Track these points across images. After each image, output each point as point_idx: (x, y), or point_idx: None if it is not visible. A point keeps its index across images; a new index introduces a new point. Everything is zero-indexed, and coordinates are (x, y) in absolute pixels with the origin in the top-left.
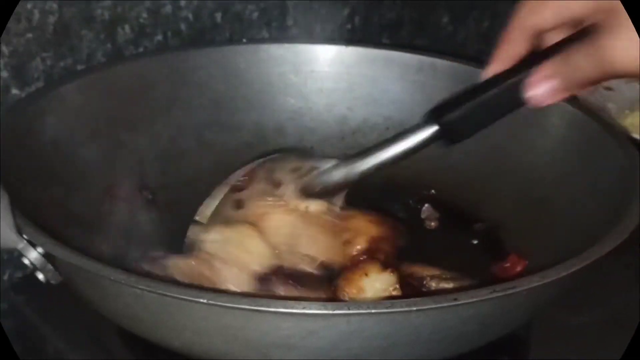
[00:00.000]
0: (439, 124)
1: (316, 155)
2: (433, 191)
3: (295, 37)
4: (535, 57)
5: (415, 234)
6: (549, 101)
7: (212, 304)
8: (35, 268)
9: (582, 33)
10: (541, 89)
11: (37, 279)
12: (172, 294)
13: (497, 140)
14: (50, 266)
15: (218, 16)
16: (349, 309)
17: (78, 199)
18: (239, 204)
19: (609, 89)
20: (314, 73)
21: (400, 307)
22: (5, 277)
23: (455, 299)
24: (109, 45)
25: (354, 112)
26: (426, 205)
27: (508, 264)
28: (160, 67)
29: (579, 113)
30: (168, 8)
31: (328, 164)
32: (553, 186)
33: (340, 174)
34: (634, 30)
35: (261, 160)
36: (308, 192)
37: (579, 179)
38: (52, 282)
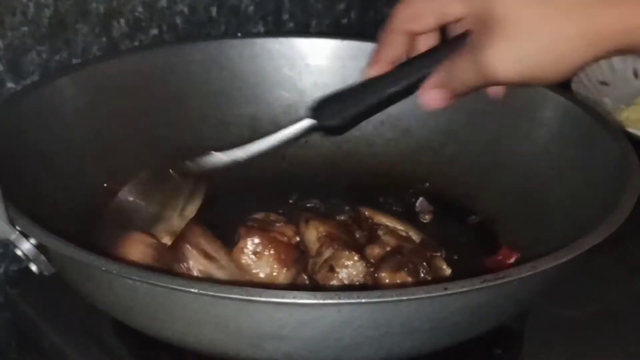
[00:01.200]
0: (319, 123)
1: None
2: (427, 184)
3: (291, 31)
4: (420, 62)
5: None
6: (440, 106)
7: (203, 294)
8: (28, 259)
9: (461, 39)
10: (431, 97)
11: (32, 272)
12: (164, 284)
13: (491, 133)
14: (43, 257)
15: (213, 10)
16: (339, 299)
17: (72, 192)
18: None
19: (604, 83)
20: (309, 67)
21: (390, 297)
22: (1, 270)
23: (446, 289)
24: (104, 39)
25: None
26: (420, 198)
27: (500, 257)
28: (156, 61)
29: (573, 106)
30: (163, 2)
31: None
32: (547, 179)
33: (221, 159)
34: (512, 37)
35: None
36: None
37: (573, 171)
38: (45, 273)
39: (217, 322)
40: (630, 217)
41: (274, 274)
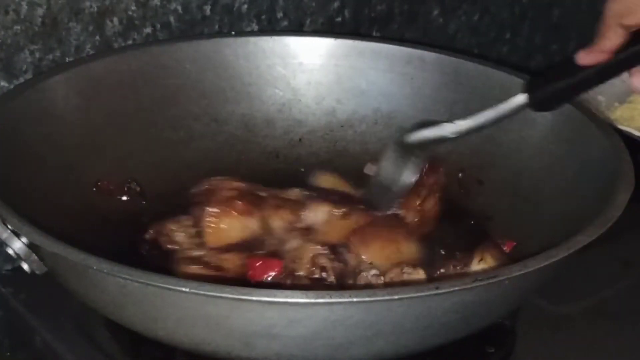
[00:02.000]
0: (530, 97)
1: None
2: None
3: (285, 29)
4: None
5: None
6: None
7: (194, 293)
8: (19, 258)
9: None
10: None
11: (24, 271)
12: (155, 283)
13: (485, 132)
14: (34, 256)
15: (207, 9)
16: (330, 298)
17: (64, 191)
18: None
19: None
20: (303, 65)
21: (381, 296)
22: None
23: (437, 288)
24: (97, 38)
25: (343, 104)
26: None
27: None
28: (149, 60)
29: (566, 105)
30: (157, 0)
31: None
32: (540, 177)
33: (432, 133)
34: None
35: None
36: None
37: (566, 169)
38: (37, 272)
39: (208, 321)
40: (623, 212)
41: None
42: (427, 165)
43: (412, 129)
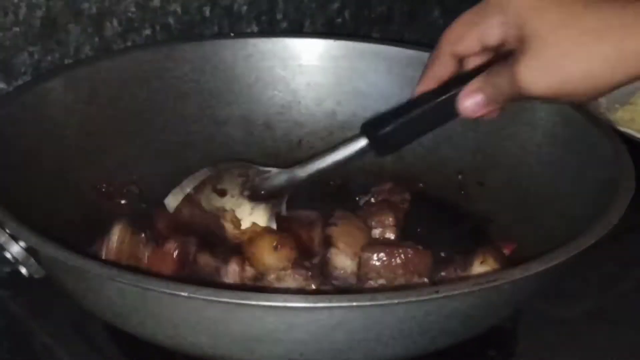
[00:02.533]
0: (370, 139)
1: (258, 165)
2: (421, 185)
3: (285, 31)
4: (462, 77)
5: (404, 227)
6: (477, 114)
7: (194, 297)
8: (17, 262)
9: (501, 57)
10: (468, 102)
11: (22, 273)
12: (154, 288)
13: (485, 134)
14: (33, 260)
15: (207, 10)
16: (330, 302)
17: (63, 194)
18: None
19: None
20: (302, 67)
21: (382, 300)
22: None
23: (437, 292)
24: (96, 40)
25: (343, 106)
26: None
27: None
28: (148, 62)
29: (566, 107)
30: (156, 2)
31: (271, 171)
32: (540, 179)
33: (282, 179)
34: (546, 55)
35: (207, 168)
36: (253, 196)
37: (566, 172)
38: (35, 276)
39: (208, 325)
40: (624, 215)
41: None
42: (391, 186)
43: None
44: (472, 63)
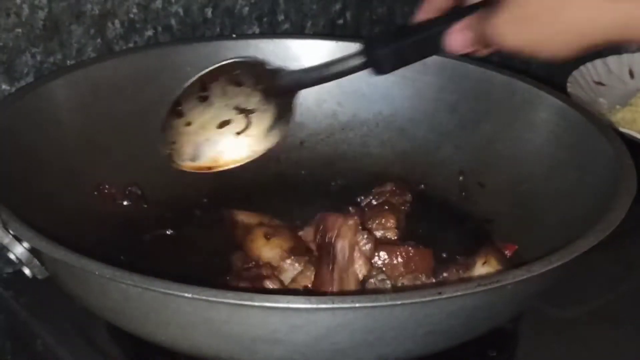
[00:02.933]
0: (367, 57)
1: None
2: (422, 186)
3: (286, 32)
4: (461, 11)
5: (405, 228)
6: (461, 51)
7: (197, 298)
8: (21, 263)
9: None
10: (454, 39)
11: (26, 274)
12: (157, 289)
13: (486, 134)
14: (36, 261)
15: (208, 11)
16: (333, 303)
17: (66, 195)
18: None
19: (600, 84)
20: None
21: (384, 301)
22: None
23: (440, 293)
24: (98, 41)
25: (344, 107)
26: None
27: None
28: (150, 63)
29: (567, 108)
30: (158, 3)
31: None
32: (542, 180)
33: (292, 77)
34: (521, 13)
35: (224, 62)
36: (266, 90)
37: (567, 173)
38: (39, 277)
39: (210, 326)
40: (625, 215)
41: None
42: (392, 187)
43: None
44: None
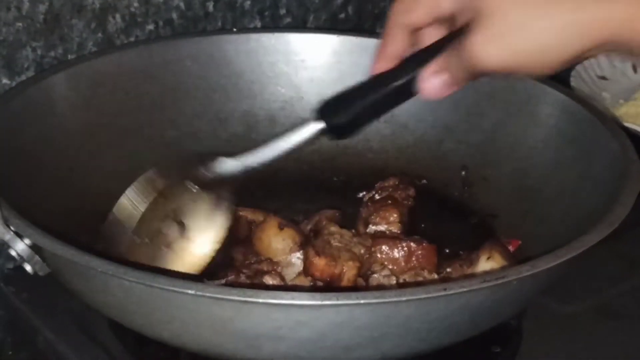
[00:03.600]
0: (327, 124)
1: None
2: (425, 181)
3: (288, 26)
4: (418, 55)
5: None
6: (441, 95)
7: (200, 295)
8: (22, 259)
9: (457, 32)
10: (431, 84)
11: (27, 270)
12: (160, 286)
13: (489, 129)
14: (37, 257)
15: (210, 5)
16: (337, 300)
17: (67, 191)
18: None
19: (603, 78)
20: (305, 62)
21: (389, 298)
22: None
23: (445, 289)
24: (99, 35)
25: None
26: None
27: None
28: (151, 57)
29: (571, 102)
30: None
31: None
32: (545, 175)
33: (231, 167)
34: (498, 27)
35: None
36: (198, 183)
37: (571, 168)
38: (40, 273)
39: (214, 323)
40: (631, 210)
41: None
42: (395, 181)
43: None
44: (427, 38)
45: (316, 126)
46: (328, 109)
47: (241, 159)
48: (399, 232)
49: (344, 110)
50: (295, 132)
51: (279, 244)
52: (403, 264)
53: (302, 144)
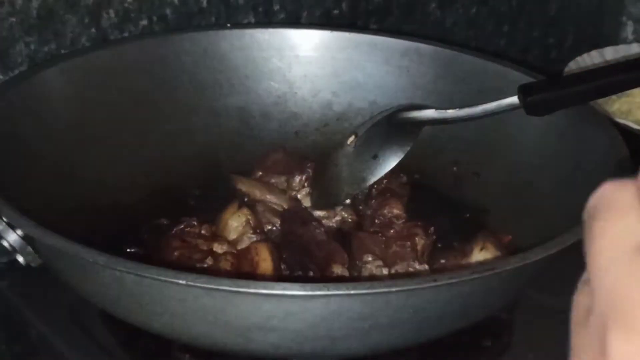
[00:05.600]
0: (522, 100)
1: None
2: (417, 176)
3: (282, 22)
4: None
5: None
6: None
7: (191, 285)
8: (14, 250)
9: None
10: None
11: (19, 263)
12: (151, 276)
13: (481, 125)
14: (29, 248)
15: (203, 1)
16: (328, 290)
17: (60, 183)
18: None
19: None
20: (299, 58)
21: (379, 288)
22: None
23: (435, 280)
24: (93, 30)
25: (339, 97)
26: None
27: None
28: (145, 52)
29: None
30: None
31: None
32: (537, 170)
33: (427, 115)
34: None
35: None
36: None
37: (563, 163)
38: (32, 264)
39: (205, 313)
40: None
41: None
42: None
43: (399, 110)
44: None
45: (514, 100)
46: (531, 88)
47: (440, 111)
48: (404, 221)
49: (539, 93)
50: (495, 102)
51: (234, 222)
52: (395, 247)
53: (498, 111)
